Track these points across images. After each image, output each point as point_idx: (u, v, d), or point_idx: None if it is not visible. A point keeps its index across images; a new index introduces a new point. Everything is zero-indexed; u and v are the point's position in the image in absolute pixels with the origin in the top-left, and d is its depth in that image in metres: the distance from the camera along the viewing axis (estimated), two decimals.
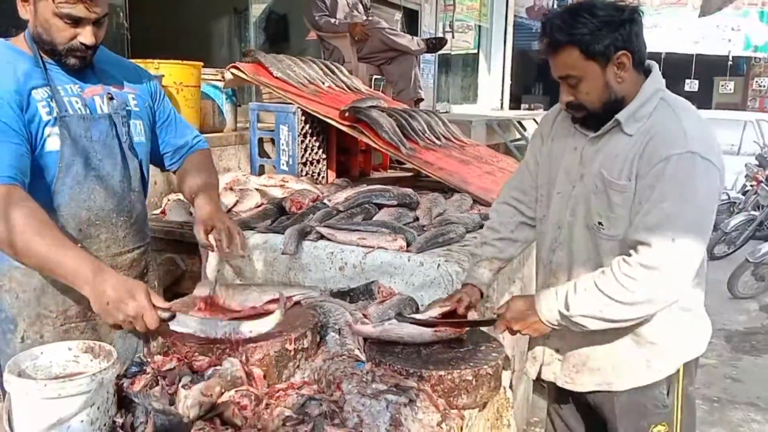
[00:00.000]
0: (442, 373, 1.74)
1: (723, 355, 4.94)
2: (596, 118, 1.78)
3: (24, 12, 1.72)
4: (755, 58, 16.73)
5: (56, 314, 1.83)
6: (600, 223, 1.79)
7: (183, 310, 1.79)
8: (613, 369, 1.89)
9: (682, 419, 1.90)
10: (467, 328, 1.99)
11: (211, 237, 1.88)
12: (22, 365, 1.50)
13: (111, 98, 1.86)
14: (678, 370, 1.88)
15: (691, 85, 15.36)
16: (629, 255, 1.67)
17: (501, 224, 2.11)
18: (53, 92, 1.75)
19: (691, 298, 1.84)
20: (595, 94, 1.73)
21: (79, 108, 1.79)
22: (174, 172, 2.15)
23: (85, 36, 1.71)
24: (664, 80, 1.79)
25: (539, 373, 2.09)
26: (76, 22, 1.69)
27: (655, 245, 1.63)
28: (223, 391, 1.55)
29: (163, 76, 3.43)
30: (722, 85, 16.65)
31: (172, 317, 1.59)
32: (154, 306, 1.55)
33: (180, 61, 3.69)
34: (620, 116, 1.74)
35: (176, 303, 2.01)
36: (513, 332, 1.86)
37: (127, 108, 1.90)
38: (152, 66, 3.48)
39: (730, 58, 15.58)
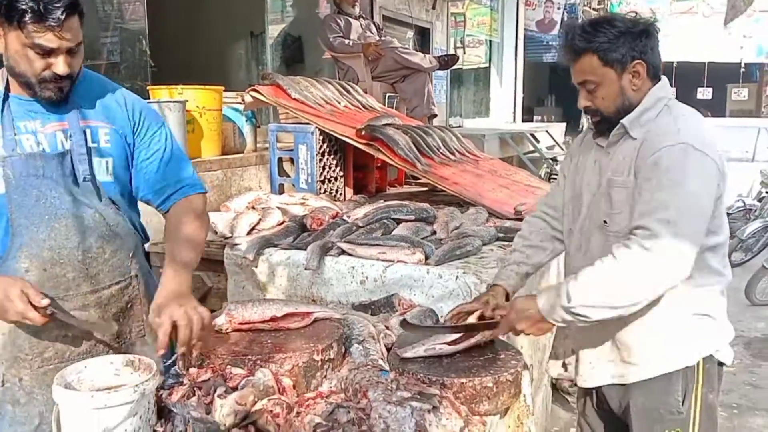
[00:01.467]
0: (463, 380, 1.80)
1: (742, 362, 4.94)
2: (609, 123, 1.89)
3: None
4: None
5: (32, 356, 1.78)
6: (605, 222, 1.88)
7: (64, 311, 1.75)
8: (628, 357, 1.93)
9: (699, 427, 1.92)
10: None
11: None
12: (68, 378, 1.60)
13: (71, 135, 1.78)
14: (695, 372, 1.90)
15: (704, 93, 15.34)
16: (628, 239, 1.74)
17: (531, 233, 2.20)
18: (4, 132, 1.71)
19: (705, 300, 1.89)
20: (611, 99, 1.85)
21: (31, 146, 1.73)
22: (164, 214, 1.98)
23: (58, 66, 1.66)
24: (672, 89, 1.92)
25: (565, 370, 2.16)
26: (48, 52, 1.64)
27: (652, 229, 1.69)
28: (256, 400, 1.63)
29: (187, 101, 3.56)
30: (735, 93, 16.60)
31: (53, 312, 1.66)
32: (32, 305, 1.61)
33: (202, 86, 3.82)
34: (625, 121, 1.85)
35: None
36: (517, 332, 1.92)
37: (90, 145, 1.81)
38: (176, 92, 3.62)
39: (743, 66, 15.54)
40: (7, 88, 1.74)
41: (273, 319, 1.98)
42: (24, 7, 1.58)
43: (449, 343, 1.97)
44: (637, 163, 1.80)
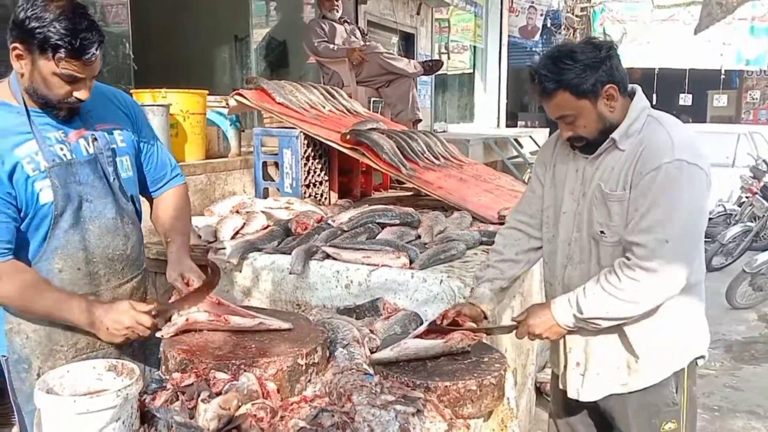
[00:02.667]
0: (447, 383, 1.81)
1: (723, 365, 5.00)
2: (596, 144, 1.94)
3: (18, 66, 1.73)
4: (747, 71, 16.94)
5: (67, 348, 1.89)
6: (602, 232, 1.93)
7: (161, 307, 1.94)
8: (627, 368, 2.00)
9: (688, 415, 2.03)
10: (481, 336, 2.07)
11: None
12: (50, 383, 1.59)
13: (95, 139, 1.88)
14: (683, 369, 2.00)
15: (685, 99, 15.53)
16: (628, 258, 1.83)
17: (505, 246, 2.22)
18: (40, 144, 1.77)
19: (697, 303, 1.99)
20: (592, 126, 1.90)
21: (65, 154, 1.82)
22: (148, 200, 2.20)
23: (82, 93, 1.76)
24: (648, 100, 1.96)
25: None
26: (74, 80, 1.72)
27: (652, 248, 1.78)
28: (240, 404, 1.62)
29: (171, 104, 3.54)
30: (716, 99, 16.84)
31: (156, 314, 1.87)
32: (140, 311, 1.83)
33: (186, 90, 3.81)
34: (615, 135, 1.90)
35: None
36: (533, 337, 2.00)
37: (111, 146, 1.93)
38: (159, 95, 3.60)
39: (723, 72, 15.76)
40: (24, 103, 1.79)
41: (218, 303, 1.99)
42: (61, 42, 1.64)
43: (419, 336, 2.00)
44: (633, 177, 1.85)
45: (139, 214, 2.08)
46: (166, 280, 3.10)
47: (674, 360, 1.99)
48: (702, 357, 2.05)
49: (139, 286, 2.07)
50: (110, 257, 1.94)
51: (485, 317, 2.13)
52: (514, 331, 2.05)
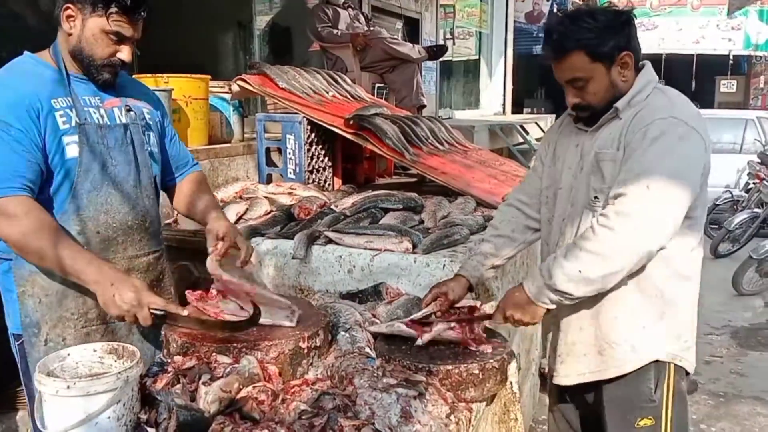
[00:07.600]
0: (449, 367, 1.81)
1: (729, 351, 4.98)
2: (600, 114, 1.88)
3: (68, 27, 1.83)
4: (756, 56, 16.77)
5: (77, 317, 1.91)
6: (596, 197, 1.85)
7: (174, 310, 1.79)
8: (599, 354, 1.92)
9: (671, 413, 1.92)
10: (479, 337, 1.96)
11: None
12: (50, 366, 1.59)
13: (129, 110, 1.98)
14: (665, 366, 1.90)
15: (693, 84, 15.41)
16: (606, 208, 1.73)
17: (501, 222, 2.19)
18: (74, 102, 1.85)
19: (679, 292, 1.88)
20: (602, 93, 1.83)
21: (98, 118, 1.90)
22: (164, 189, 2.20)
23: (125, 53, 1.86)
24: (662, 81, 1.91)
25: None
26: (120, 40, 1.83)
27: (630, 193, 1.67)
28: (241, 387, 1.62)
29: (173, 90, 3.53)
30: (724, 85, 16.70)
31: (164, 316, 1.75)
32: (151, 301, 1.74)
33: (188, 75, 3.79)
34: (618, 104, 1.84)
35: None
36: (512, 322, 1.89)
37: (144, 119, 2.02)
38: (161, 80, 3.58)
39: (731, 58, 15.63)
40: (65, 67, 1.88)
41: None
42: None
43: (407, 324, 1.98)
44: (627, 137, 1.78)
45: (158, 192, 2.11)
46: (180, 267, 3.13)
47: (650, 351, 1.88)
48: (689, 363, 1.93)
49: (155, 263, 2.08)
50: (129, 225, 1.97)
51: (470, 290, 2.10)
52: (493, 318, 1.93)
